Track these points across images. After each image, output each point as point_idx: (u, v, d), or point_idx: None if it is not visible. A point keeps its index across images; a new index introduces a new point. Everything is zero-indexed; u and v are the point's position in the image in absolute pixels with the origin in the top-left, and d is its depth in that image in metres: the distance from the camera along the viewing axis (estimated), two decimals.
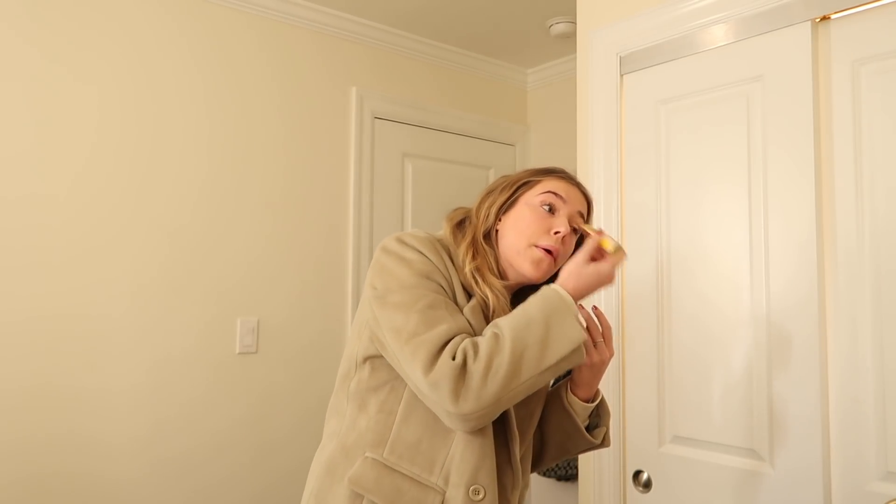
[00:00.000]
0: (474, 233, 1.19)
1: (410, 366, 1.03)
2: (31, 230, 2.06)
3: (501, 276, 1.19)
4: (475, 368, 1.00)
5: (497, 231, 1.20)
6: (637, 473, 1.81)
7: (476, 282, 1.13)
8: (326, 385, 2.61)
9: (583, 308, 1.13)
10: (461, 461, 1.08)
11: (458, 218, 1.23)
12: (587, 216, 1.23)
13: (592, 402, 1.26)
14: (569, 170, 1.26)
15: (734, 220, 1.67)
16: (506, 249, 1.17)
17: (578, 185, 1.23)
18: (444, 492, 1.08)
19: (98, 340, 2.15)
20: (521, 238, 1.15)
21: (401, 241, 1.13)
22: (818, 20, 1.56)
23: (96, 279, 2.15)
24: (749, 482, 1.60)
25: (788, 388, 1.55)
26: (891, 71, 1.45)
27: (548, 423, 1.28)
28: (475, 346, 1.02)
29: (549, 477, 2.88)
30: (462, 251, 1.16)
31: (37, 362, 2.04)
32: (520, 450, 1.18)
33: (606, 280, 1.10)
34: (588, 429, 1.28)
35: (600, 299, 1.90)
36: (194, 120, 2.37)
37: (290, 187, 2.57)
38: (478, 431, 1.09)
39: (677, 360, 1.76)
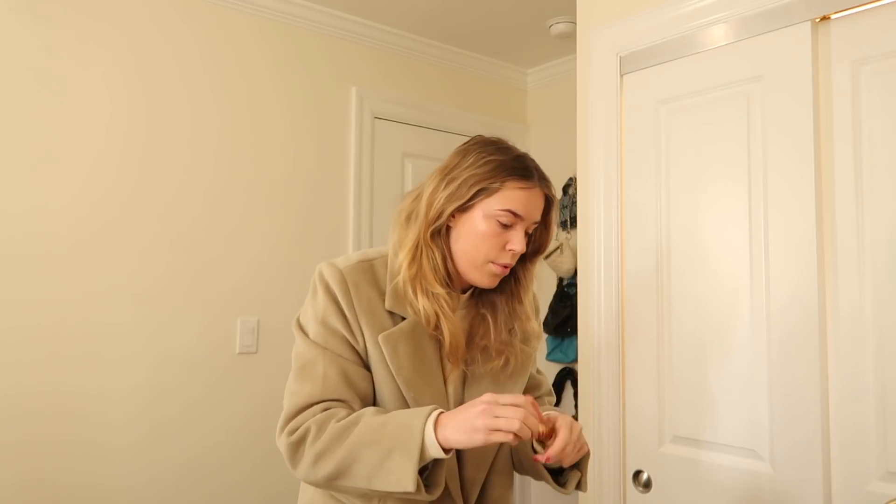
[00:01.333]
0: (419, 233, 1.13)
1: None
2: (34, 231, 2.06)
3: (449, 275, 1.15)
4: (308, 453, 1.03)
5: (448, 227, 1.15)
6: (637, 473, 1.81)
7: (414, 293, 1.11)
8: None
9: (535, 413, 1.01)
10: (388, 493, 1.07)
11: (408, 211, 1.17)
12: (545, 216, 1.18)
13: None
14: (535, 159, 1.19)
15: (734, 220, 1.67)
16: (459, 257, 1.14)
17: (540, 184, 1.15)
18: None
19: (98, 341, 2.15)
20: (477, 253, 1.12)
21: (319, 274, 1.14)
22: (818, 20, 1.56)
23: (97, 279, 2.15)
24: (749, 482, 1.60)
25: (788, 388, 1.55)
26: (891, 71, 1.45)
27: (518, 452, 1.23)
28: (319, 429, 1.02)
29: None
30: (401, 259, 1.12)
31: (37, 362, 2.04)
32: (473, 477, 1.15)
33: (477, 435, 0.96)
34: (557, 474, 1.20)
35: (600, 295, 1.90)
36: (194, 120, 2.37)
37: (290, 187, 2.57)
38: None
39: (677, 359, 1.76)
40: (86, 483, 2.10)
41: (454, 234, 1.15)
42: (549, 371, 3.09)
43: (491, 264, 1.13)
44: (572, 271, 2.91)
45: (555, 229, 1.23)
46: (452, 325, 1.12)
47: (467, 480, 1.15)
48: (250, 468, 2.42)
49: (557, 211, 1.21)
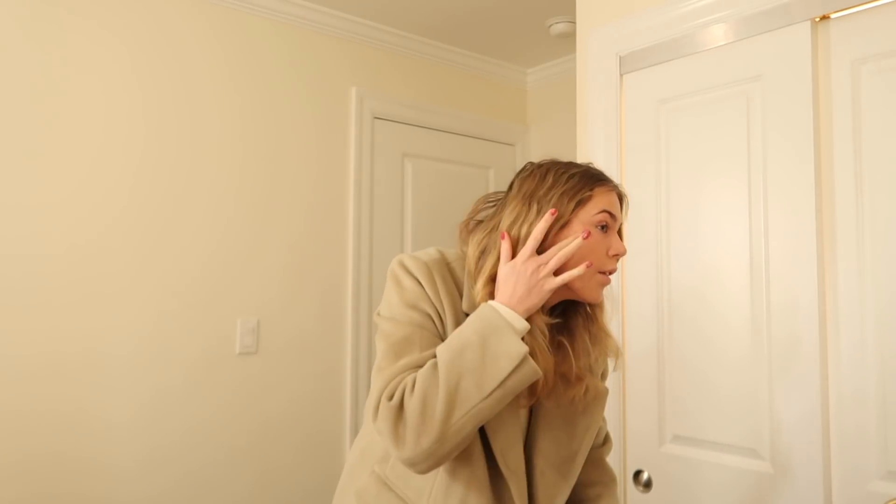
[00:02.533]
0: (496, 262, 1.08)
1: (368, 403, 1.05)
2: (31, 236, 2.05)
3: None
4: (411, 407, 0.97)
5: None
6: (637, 473, 1.81)
7: None
8: (326, 385, 2.62)
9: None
10: (446, 495, 1.06)
11: (480, 235, 1.13)
12: (623, 213, 1.17)
13: None
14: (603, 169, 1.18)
15: (734, 220, 1.67)
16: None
17: (617, 188, 1.15)
18: None
19: (99, 343, 2.15)
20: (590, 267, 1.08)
21: (401, 265, 1.10)
22: (818, 19, 1.56)
23: (95, 280, 2.15)
24: (749, 482, 1.60)
25: (788, 388, 1.55)
26: (891, 70, 1.45)
27: None
28: (414, 382, 0.99)
29: None
30: (479, 286, 1.09)
31: (37, 366, 2.04)
32: (551, 496, 1.12)
33: (535, 279, 1.01)
34: None
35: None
36: (194, 121, 2.37)
37: (290, 187, 2.57)
38: (461, 466, 1.06)
39: (677, 359, 1.76)
40: (88, 495, 2.10)
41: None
42: None
43: (599, 275, 1.10)
44: None
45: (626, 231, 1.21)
46: (546, 363, 1.06)
47: (536, 474, 1.12)
48: (251, 469, 2.42)
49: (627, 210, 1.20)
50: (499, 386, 0.96)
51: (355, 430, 2.64)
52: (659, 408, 1.78)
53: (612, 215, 1.10)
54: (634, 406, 1.84)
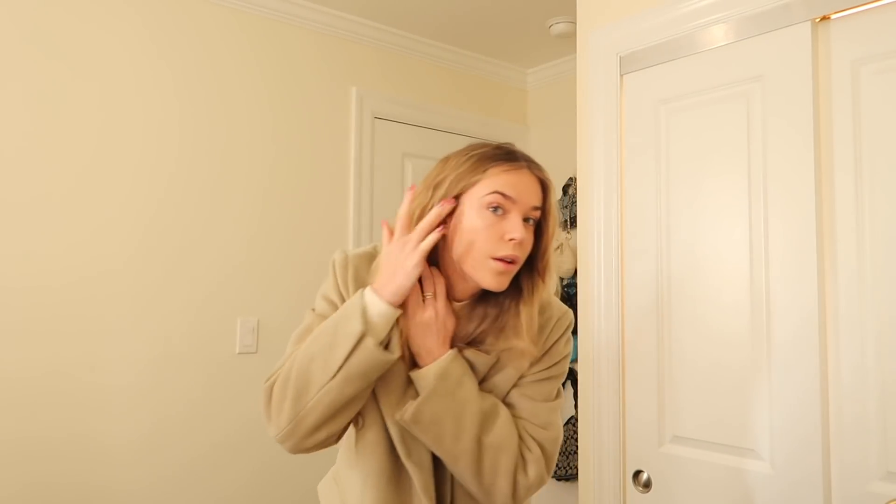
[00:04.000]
0: None
1: None
2: (30, 230, 2.06)
3: (449, 290, 1.09)
4: (275, 389, 1.02)
5: (444, 237, 1.07)
6: (637, 473, 1.81)
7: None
8: None
9: (428, 267, 1.05)
10: (361, 490, 1.09)
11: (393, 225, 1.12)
12: (544, 202, 1.08)
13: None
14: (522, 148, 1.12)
15: (734, 220, 1.67)
16: (459, 260, 1.05)
17: (530, 168, 1.07)
18: None
19: (97, 340, 2.15)
20: (475, 251, 1.04)
21: (332, 259, 1.16)
22: (818, 20, 1.56)
23: (95, 279, 2.15)
24: (749, 482, 1.60)
25: (788, 388, 1.55)
26: (891, 71, 1.45)
27: None
28: (289, 366, 1.03)
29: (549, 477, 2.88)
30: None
31: (36, 363, 2.04)
32: (448, 476, 1.10)
33: (400, 258, 0.99)
34: None
35: (600, 295, 1.90)
36: (192, 120, 2.37)
37: (290, 187, 2.57)
38: (367, 460, 1.07)
39: (677, 359, 1.76)
40: (86, 483, 2.10)
41: (451, 243, 1.06)
42: None
43: (492, 261, 1.03)
44: (572, 271, 2.91)
45: (557, 218, 1.12)
46: (426, 347, 1.06)
47: (442, 478, 1.11)
48: (250, 468, 2.42)
49: (554, 198, 1.11)
50: (341, 367, 0.97)
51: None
52: (659, 408, 1.78)
53: (505, 196, 1.03)
54: (634, 406, 1.84)
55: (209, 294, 2.36)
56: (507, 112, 3.30)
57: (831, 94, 1.54)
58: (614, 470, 1.84)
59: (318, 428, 1.01)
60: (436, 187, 1.07)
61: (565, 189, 3.05)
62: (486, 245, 1.04)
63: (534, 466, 1.08)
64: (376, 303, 1.00)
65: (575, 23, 2.34)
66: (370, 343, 0.97)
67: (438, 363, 1.05)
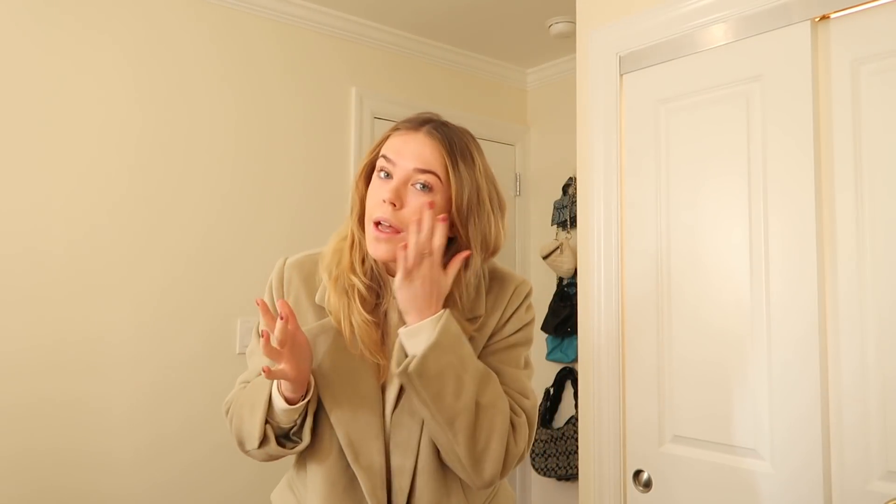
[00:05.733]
0: (347, 224, 1.10)
1: None
2: (31, 234, 2.06)
3: (378, 265, 1.08)
4: (229, 421, 1.14)
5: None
6: (637, 473, 1.81)
7: (333, 290, 1.06)
8: None
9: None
10: (313, 491, 1.10)
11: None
12: (443, 166, 1.00)
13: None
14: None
15: (734, 220, 1.67)
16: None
17: (429, 133, 1.01)
18: None
19: (98, 341, 2.15)
20: (365, 217, 1.03)
21: (278, 266, 1.18)
22: (818, 19, 1.56)
23: (96, 281, 2.15)
24: (749, 482, 1.60)
25: (788, 388, 1.55)
26: (891, 70, 1.45)
27: None
28: (235, 400, 1.14)
29: (550, 477, 2.88)
30: (326, 255, 1.11)
31: (36, 363, 2.04)
32: (401, 465, 1.07)
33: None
34: None
35: (600, 295, 1.90)
36: (194, 121, 2.37)
37: (290, 187, 2.57)
38: (318, 462, 1.10)
39: (677, 359, 1.76)
40: (84, 486, 2.10)
41: None
42: (550, 371, 3.09)
43: (371, 226, 0.99)
44: (572, 271, 2.91)
45: (470, 184, 1.02)
46: (361, 317, 1.03)
47: (394, 471, 1.07)
48: (251, 469, 2.41)
49: (469, 164, 1.02)
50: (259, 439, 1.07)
51: None
52: (659, 408, 1.78)
53: (387, 159, 1.00)
54: (634, 406, 1.84)
55: (209, 294, 2.36)
56: (507, 112, 3.30)
57: (831, 94, 1.54)
58: (614, 470, 1.84)
59: (267, 459, 1.12)
60: (363, 164, 1.09)
61: (565, 189, 3.05)
62: (370, 210, 1.01)
63: (522, 432, 1.05)
64: (277, 398, 1.03)
65: (575, 23, 2.34)
66: (278, 448, 1.08)
67: (438, 315, 0.98)
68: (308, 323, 1.09)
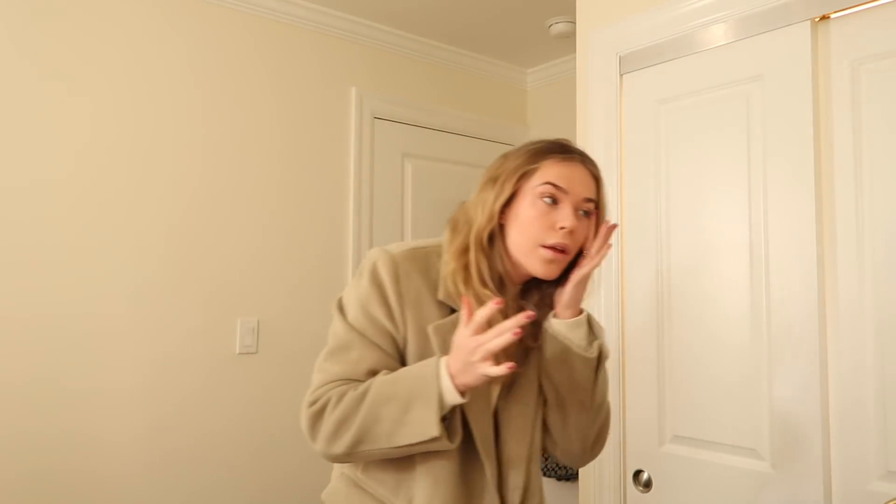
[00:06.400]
0: (466, 238, 1.12)
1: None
2: (29, 230, 2.06)
3: (506, 276, 1.13)
4: (328, 420, 1.04)
5: (502, 227, 1.12)
6: (637, 473, 1.81)
7: (458, 292, 1.09)
8: None
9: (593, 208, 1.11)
10: (422, 485, 1.08)
11: (455, 220, 1.17)
12: (597, 194, 1.13)
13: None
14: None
15: (734, 220, 1.67)
16: (513, 249, 1.11)
17: (583, 162, 1.12)
18: None
19: (97, 340, 2.15)
20: (526, 239, 1.09)
21: (372, 264, 1.12)
22: (818, 19, 1.56)
23: (96, 280, 2.15)
24: (749, 482, 1.60)
25: (788, 388, 1.55)
26: (890, 70, 1.45)
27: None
28: (340, 398, 1.04)
29: (549, 477, 2.88)
30: (444, 261, 1.12)
31: (36, 362, 2.04)
32: (516, 467, 1.13)
33: (469, 360, 0.97)
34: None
35: (600, 295, 1.90)
36: (193, 120, 2.37)
37: (290, 187, 2.57)
38: (437, 458, 1.08)
39: (677, 359, 1.76)
40: (84, 476, 2.10)
41: (506, 231, 1.12)
42: None
43: (541, 249, 1.08)
44: None
45: (606, 214, 1.16)
46: (482, 409, 1.11)
47: (507, 459, 1.13)
48: (249, 470, 2.42)
49: (606, 193, 1.15)
50: (405, 447, 1.02)
51: None
52: (659, 407, 1.78)
53: (557, 187, 1.08)
54: (634, 406, 1.84)
55: (209, 294, 2.36)
56: (506, 112, 3.30)
57: (831, 94, 1.54)
58: (615, 469, 1.84)
59: (362, 461, 1.09)
60: (494, 180, 1.12)
61: None
62: (537, 234, 1.08)
63: None
64: (450, 392, 1.00)
65: (574, 22, 2.34)
66: (440, 445, 1.01)
67: (585, 312, 1.13)
68: (432, 317, 1.11)
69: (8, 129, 2.04)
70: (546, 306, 1.15)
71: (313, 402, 1.06)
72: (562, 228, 1.07)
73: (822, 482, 1.48)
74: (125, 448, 2.18)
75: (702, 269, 1.73)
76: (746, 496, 1.60)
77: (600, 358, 1.13)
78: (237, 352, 2.41)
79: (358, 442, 1.02)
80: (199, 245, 2.36)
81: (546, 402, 1.18)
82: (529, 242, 1.08)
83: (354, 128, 2.74)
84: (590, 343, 1.12)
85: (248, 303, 2.44)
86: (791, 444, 1.54)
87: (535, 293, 1.18)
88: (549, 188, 1.08)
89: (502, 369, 0.94)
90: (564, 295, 1.11)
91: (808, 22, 1.56)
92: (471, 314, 0.99)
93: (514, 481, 1.13)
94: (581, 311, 1.13)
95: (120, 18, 2.24)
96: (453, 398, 1.00)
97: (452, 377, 0.99)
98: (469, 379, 0.98)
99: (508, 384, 1.15)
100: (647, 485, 1.79)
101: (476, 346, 0.96)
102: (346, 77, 2.75)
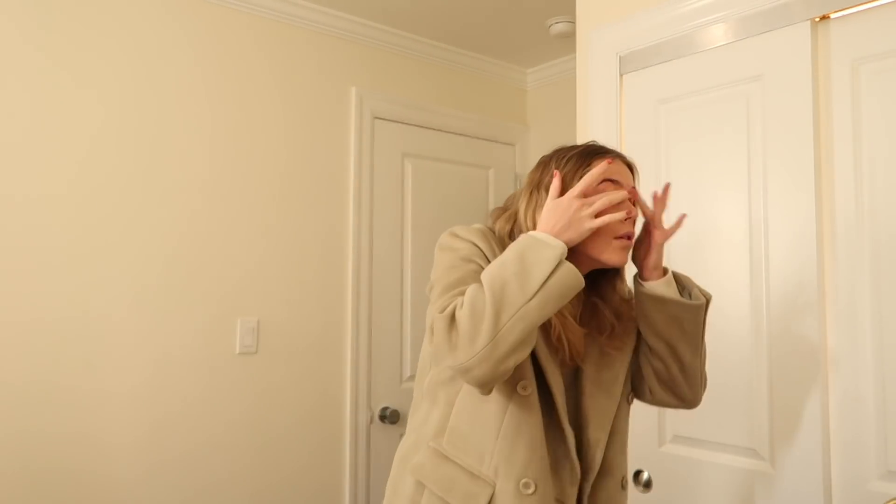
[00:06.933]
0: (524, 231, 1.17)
1: (426, 336, 1.11)
2: (31, 230, 2.06)
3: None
4: (462, 315, 1.02)
5: None
6: (637, 473, 1.81)
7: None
8: (326, 385, 2.62)
9: (634, 191, 1.19)
10: (510, 454, 1.10)
11: (503, 221, 1.23)
12: (635, 181, 1.24)
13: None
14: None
15: (734, 220, 1.67)
16: (587, 248, 1.15)
17: (621, 157, 1.23)
18: (495, 484, 1.10)
19: (98, 340, 2.15)
20: (601, 234, 1.14)
21: (452, 234, 1.18)
22: (818, 19, 1.56)
23: (96, 280, 2.15)
24: (749, 482, 1.60)
25: (788, 388, 1.55)
26: (890, 70, 1.45)
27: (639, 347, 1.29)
28: (461, 296, 1.05)
29: None
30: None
31: (36, 362, 2.04)
32: (597, 438, 1.18)
33: (577, 215, 1.07)
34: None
35: None
36: (193, 120, 2.37)
37: (290, 187, 2.57)
38: (524, 423, 1.11)
39: None
40: (84, 475, 2.10)
41: None
42: None
43: (615, 240, 1.16)
44: None
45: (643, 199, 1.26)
46: (573, 335, 1.16)
47: (588, 443, 1.18)
48: (250, 470, 2.42)
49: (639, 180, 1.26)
50: (541, 287, 1.01)
51: (355, 429, 2.64)
52: (659, 408, 1.78)
53: (614, 182, 1.18)
54: (634, 406, 1.83)
55: (209, 294, 2.36)
56: (506, 112, 3.30)
57: (831, 94, 1.54)
58: None
59: (513, 350, 1.02)
60: (538, 185, 1.20)
61: None
62: (610, 227, 1.14)
63: None
64: (553, 239, 1.05)
65: (574, 22, 2.34)
66: (569, 264, 1.03)
67: (667, 272, 1.23)
68: None
69: (12, 129, 2.04)
70: (596, 296, 1.24)
71: (442, 310, 1.06)
72: (627, 218, 1.16)
73: (821, 482, 1.48)
74: (126, 448, 2.18)
75: (702, 268, 1.73)
76: (747, 496, 1.60)
77: (707, 302, 1.23)
78: (237, 352, 2.41)
79: (498, 312, 1.00)
80: (199, 245, 2.36)
81: (648, 375, 1.29)
82: (605, 236, 1.15)
83: (354, 127, 2.74)
84: (688, 293, 1.23)
85: (248, 303, 2.44)
86: (791, 443, 1.54)
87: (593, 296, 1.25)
88: (607, 185, 1.17)
89: (620, 214, 1.08)
90: (651, 260, 1.22)
91: (808, 22, 1.56)
92: (560, 188, 1.11)
93: (593, 462, 1.18)
94: (666, 271, 1.23)
95: (120, 18, 2.24)
96: (557, 242, 1.05)
97: (558, 235, 1.06)
98: (573, 234, 1.06)
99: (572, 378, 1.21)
100: (647, 485, 1.79)
101: (583, 204, 1.07)
102: (347, 77, 2.75)
